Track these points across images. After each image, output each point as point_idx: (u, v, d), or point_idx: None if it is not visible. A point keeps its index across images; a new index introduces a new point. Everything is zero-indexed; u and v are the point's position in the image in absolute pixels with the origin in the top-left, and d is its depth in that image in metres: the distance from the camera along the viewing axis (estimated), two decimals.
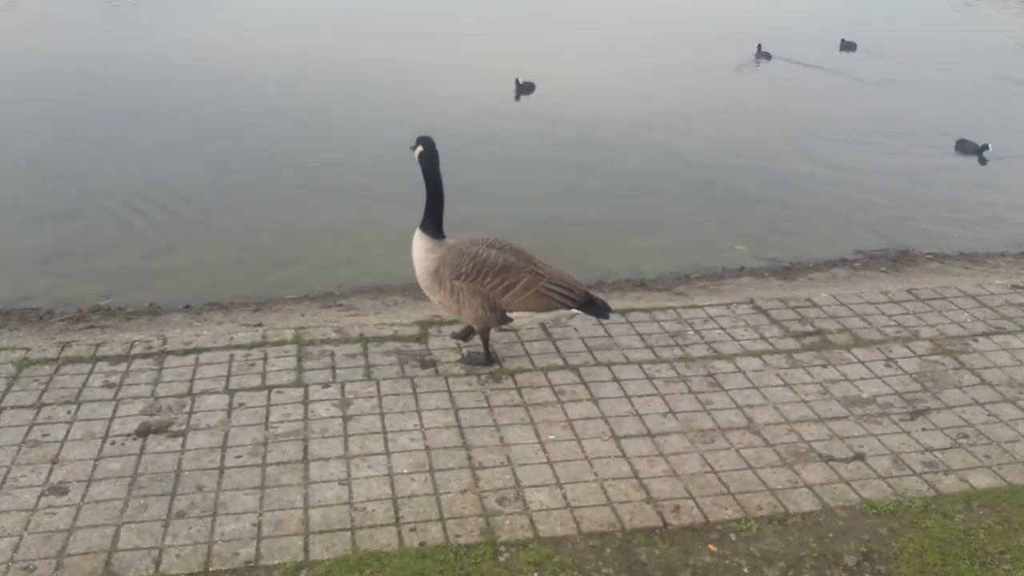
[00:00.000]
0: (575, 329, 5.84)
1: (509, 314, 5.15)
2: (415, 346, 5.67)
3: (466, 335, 5.72)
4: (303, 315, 7.05)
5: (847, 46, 19.19)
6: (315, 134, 12.89)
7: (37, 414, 4.89)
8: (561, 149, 12.31)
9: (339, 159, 11.71)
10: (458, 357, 5.52)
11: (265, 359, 5.49)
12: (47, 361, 5.46)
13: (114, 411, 4.92)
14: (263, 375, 5.29)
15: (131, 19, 22.03)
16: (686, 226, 9.56)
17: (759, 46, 18.18)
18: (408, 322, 6.01)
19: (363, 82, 16.00)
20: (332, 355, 5.54)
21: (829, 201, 10.31)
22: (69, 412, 4.90)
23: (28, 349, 5.62)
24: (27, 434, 4.71)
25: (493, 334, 5.47)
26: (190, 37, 19.49)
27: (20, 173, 10.92)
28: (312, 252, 8.89)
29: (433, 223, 5.25)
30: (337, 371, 5.34)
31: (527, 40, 19.07)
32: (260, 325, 6.12)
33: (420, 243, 5.27)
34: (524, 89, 14.69)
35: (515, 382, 5.20)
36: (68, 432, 4.72)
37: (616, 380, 5.18)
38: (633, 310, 6.14)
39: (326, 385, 5.16)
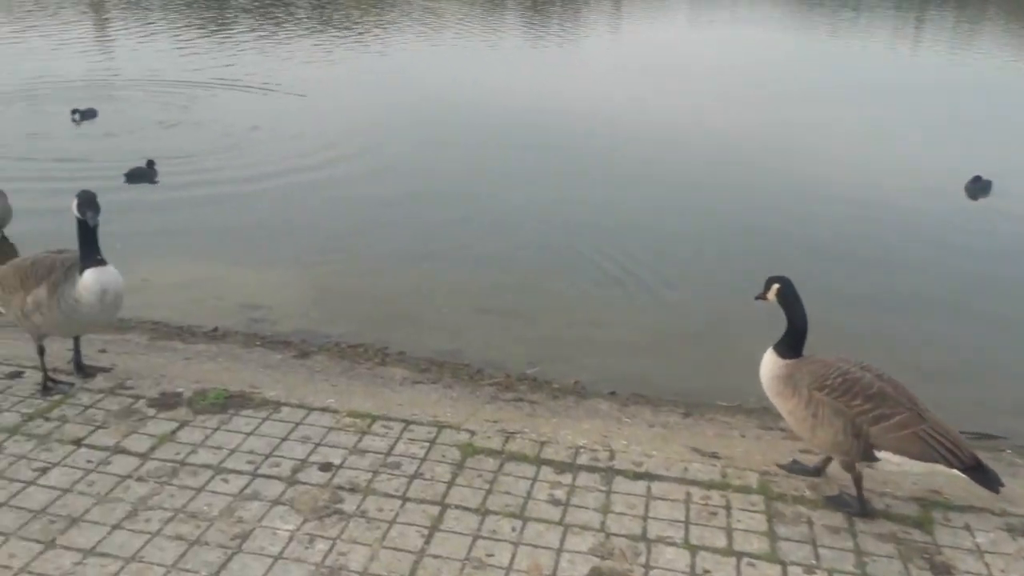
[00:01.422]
0: None
1: (876, 452, 4.24)
2: (917, 535, 4.33)
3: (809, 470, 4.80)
4: (744, 436, 5.99)
5: None
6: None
7: (482, 523, 4.26)
8: None
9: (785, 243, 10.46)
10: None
11: (728, 509, 4.47)
12: (492, 453, 4.87)
13: (562, 541, 4.16)
14: (728, 533, 4.27)
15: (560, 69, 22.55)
16: None
17: None
18: (903, 495, 4.67)
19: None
20: (810, 523, 4.38)
21: None
22: (514, 529, 4.22)
23: (473, 433, 5.08)
24: (471, 548, 4.08)
25: None
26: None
27: (473, 216, 11.03)
28: (742, 348, 7.82)
29: (788, 346, 4.66)
30: (819, 551, 4.17)
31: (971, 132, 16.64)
32: (716, 456, 5.12)
33: (768, 358, 4.69)
34: (981, 189, 12.47)
35: None
36: (513, 558, 4.02)
37: None
38: None
39: (810, 571, 4.01)
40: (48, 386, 5.24)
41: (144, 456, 4.62)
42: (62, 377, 5.45)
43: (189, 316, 7.89)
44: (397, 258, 9.51)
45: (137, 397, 5.24)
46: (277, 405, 5.24)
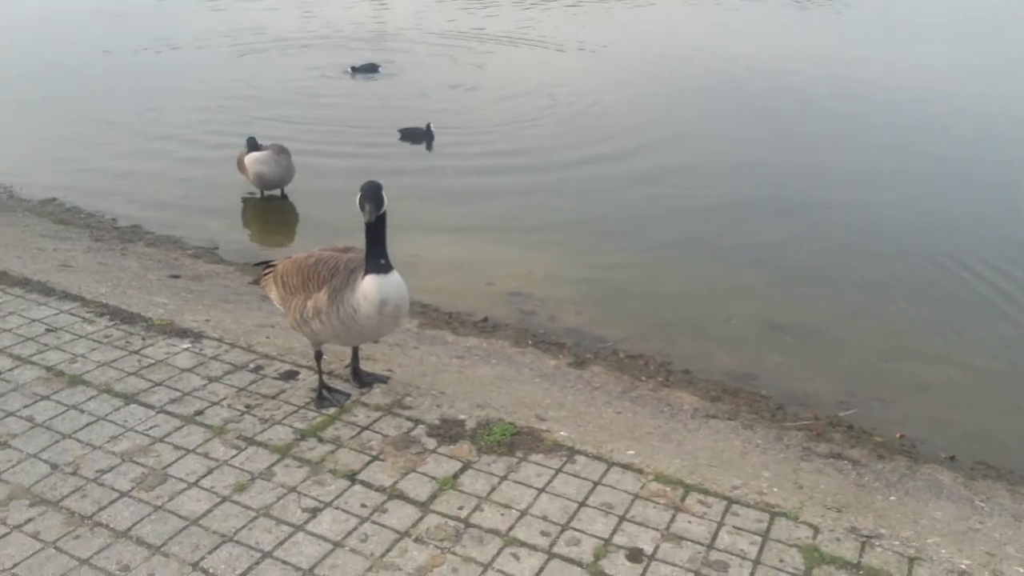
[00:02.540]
0: None
1: None
2: None
3: None
4: None
5: None
6: None
7: None
8: None
9: None
10: None
11: None
12: (846, 566, 3.66)
13: None
14: None
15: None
16: None
17: None
18: None
19: None
20: None
21: None
22: None
23: (816, 531, 3.88)
24: None
25: None
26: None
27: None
28: None
29: None
30: None
31: None
32: None
33: None
34: None
35: None
36: None
37: None
38: None
39: None
40: (323, 395, 4.59)
41: (424, 507, 3.81)
42: (338, 384, 4.79)
43: (459, 301, 7.21)
44: (682, 254, 8.35)
45: (416, 421, 4.47)
46: (571, 453, 4.29)
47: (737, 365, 6.45)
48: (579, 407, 5.25)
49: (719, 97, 14.45)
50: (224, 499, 3.80)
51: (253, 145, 9.13)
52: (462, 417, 4.54)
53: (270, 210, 9.35)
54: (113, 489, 3.83)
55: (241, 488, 3.87)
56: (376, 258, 4.15)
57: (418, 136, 11.23)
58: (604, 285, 7.71)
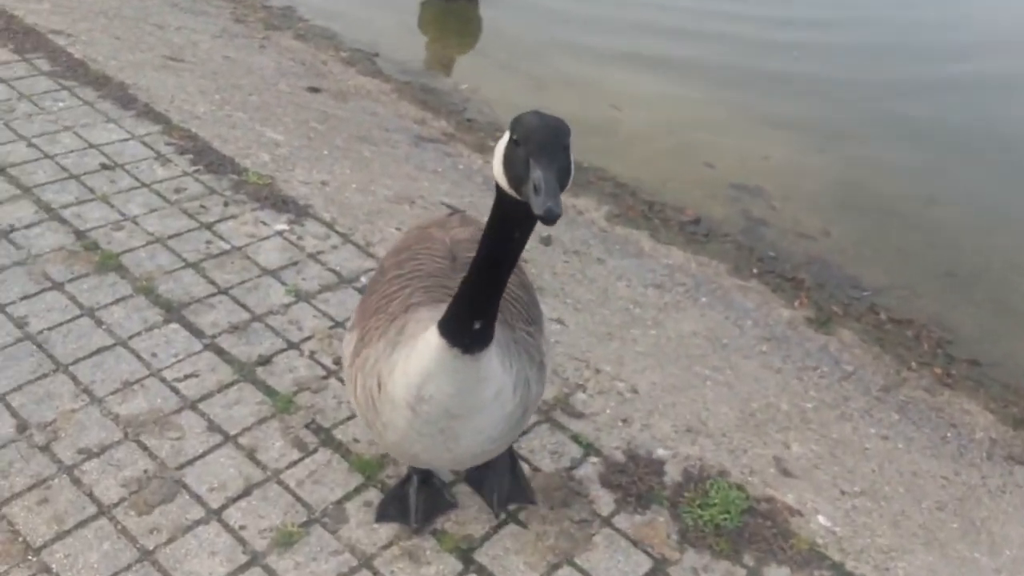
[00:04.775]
0: None
1: None
2: None
3: None
4: None
5: None
6: None
7: None
8: None
9: None
10: None
11: None
12: None
13: None
14: None
15: None
16: None
17: None
18: None
19: None
20: None
21: None
22: None
23: None
24: None
25: None
26: None
27: None
28: None
29: None
30: None
31: None
32: None
33: None
34: None
35: None
36: None
37: None
38: None
39: None
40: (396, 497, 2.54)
41: None
42: None
43: (665, 186, 5.22)
44: (988, 174, 5.80)
45: (587, 448, 2.66)
46: (838, 574, 2.41)
47: None
48: (829, 422, 3.32)
49: None
50: (253, 559, 2.19)
51: None
52: (660, 453, 2.69)
53: (452, 14, 7.32)
54: (91, 497, 2.28)
55: (287, 540, 2.23)
56: (466, 317, 1.78)
57: None
58: (866, 195, 5.43)
